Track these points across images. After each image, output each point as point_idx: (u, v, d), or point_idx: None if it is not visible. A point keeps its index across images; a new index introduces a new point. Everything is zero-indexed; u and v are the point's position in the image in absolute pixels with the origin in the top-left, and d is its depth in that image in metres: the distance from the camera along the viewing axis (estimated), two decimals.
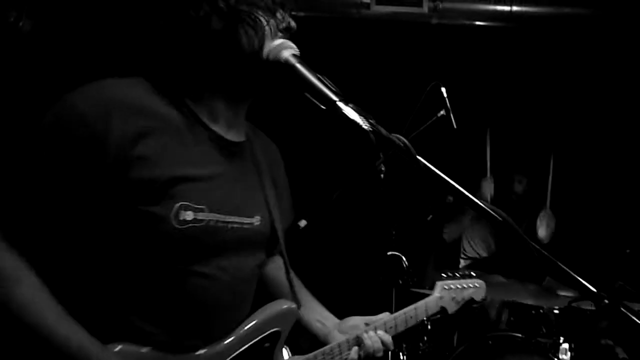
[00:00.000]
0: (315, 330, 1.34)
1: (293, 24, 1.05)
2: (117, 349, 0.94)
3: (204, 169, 1.01)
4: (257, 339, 1.10)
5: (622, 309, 0.83)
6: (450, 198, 3.63)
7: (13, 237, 0.91)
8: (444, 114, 2.58)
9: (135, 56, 1.04)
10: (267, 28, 1.00)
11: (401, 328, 1.41)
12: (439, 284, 1.63)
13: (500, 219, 0.85)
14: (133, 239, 0.95)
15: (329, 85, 0.88)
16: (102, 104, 0.92)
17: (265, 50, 0.99)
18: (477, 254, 3.63)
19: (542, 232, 3.42)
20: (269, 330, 1.12)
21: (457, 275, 1.76)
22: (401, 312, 1.44)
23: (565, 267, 0.89)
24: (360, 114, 0.84)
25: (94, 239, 0.96)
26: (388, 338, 1.34)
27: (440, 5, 3.75)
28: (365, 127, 0.81)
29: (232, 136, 1.09)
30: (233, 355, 1.06)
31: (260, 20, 0.99)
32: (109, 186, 0.92)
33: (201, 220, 0.98)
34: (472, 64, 3.98)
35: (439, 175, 0.87)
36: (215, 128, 1.06)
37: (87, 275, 0.98)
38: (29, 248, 0.93)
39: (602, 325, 2.48)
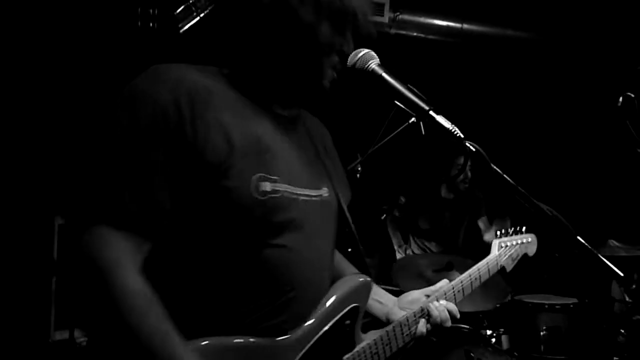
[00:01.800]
0: (374, 311, 1.30)
1: (350, 51, 1.09)
2: (204, 343, 0.93)
3: (271, 142, 1.03)
4: (338, 317, 1.09)
5: None
6: (403, 199, 3.85)
7: (119, 222, 0.90)
8: (415, 121, 2.74)
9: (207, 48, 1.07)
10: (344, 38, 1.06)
11: (467, 291, 1.39)
12: (495, 241, 1.59)
13: (551, 215, 0.99)
14: (216, 216, 0.95)
15: (419, 95, 0.99)
16: (169, 87, 0.94)
17: (351, 58, 1.07)
18: (429, 250, 3.82)
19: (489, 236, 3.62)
20: (348, 306, 1.11)
21: (509, 231, 1.69)
22: (463, 277, 1.40)
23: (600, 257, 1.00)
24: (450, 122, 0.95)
25: (183, 223, 0.95)
26: (453, 306, 1.29)
27: (399, 17, 3.96)
28: (460, 135, 0.93)
29: (288, 112, 1.12)
30: (318, 336, 1.06)
31: (342, 25, 1.04)
32: (190, 165, 0.93)
33: (277, 191, 0.99)
34: (425, 76, 4.24)
35: (505, 179, 1.00)
36: (273, 106, 1.09)
37: (177, 262, 0.97)
38: (135, 233, 0.91)
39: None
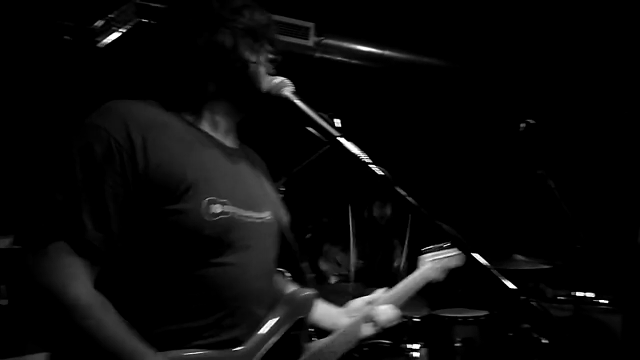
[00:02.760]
0: (320, 322, 1.40)
1: (279, 57, 1.20)
2: (169, 355, 0.98)
3: (217, 168, 1.10)
4: (286, 328, 1.17)
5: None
6: (326, 219, 3.93)
7: (76, 245, 0.94)
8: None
9: (143, 81, 1.11)
10: (263, 53, 1.15)
11: (402, 301, 1.54)
12: (425, 257, 1.75)
13: (450, 234, 1.06)
14: (168, 238, 1.00)
15: (329, 121, 1.05)
16: (120, 120, 1.00)
17: (266, 85, 1.13)
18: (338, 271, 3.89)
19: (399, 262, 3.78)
20: (294, 318, 1.19)
21: (438, 246, 1.84)
22: (400, 285, 1.56)
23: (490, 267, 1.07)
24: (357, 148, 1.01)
25: (135, 245, 1.00)
26: (395, 310, 1.47)
27: (324, 41, 4.09)
28: (365, 160, 0.99)
29: (230, 143, 1.19)
30: (268, 346, 1.13)
31: (260, 43, 1.14)
32: (140, 192, 0.98)
33: (227, 213, 1.05)
34: (347, 100, 4.39)
35: (409, 202, 1.07)
36: (216, 136, 1.16)
37: (129, 282, 1.01)
38: (91, 257, 0.95)
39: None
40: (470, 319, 2.99)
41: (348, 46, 4.19)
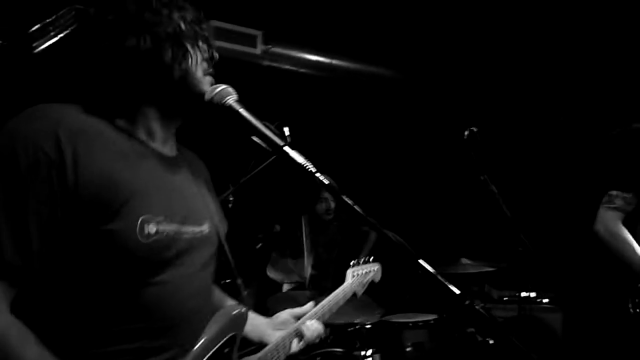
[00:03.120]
0: (248, 334, 1.37)
1: (216, 55, 1.15)
2: None
3: (153, 182, 1.03)
4: (218, 345, 1.14)
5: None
6: (278, 227, 3.90)
7: None
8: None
9: (70, 84, 1.05)
10: (192, 54, 1.08)
11: (327, 316, 1.54)
12: (349, 271, 1.78)
13: (395, 240, 1.07)
14: (98, 258, 0.94)
15: (275, 131, 1.03)
16: (49, 128, 0.92)
17: (209, 93, 1.08)
18: (291, 279, 3.88)
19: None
20: (227, 335, 1.17)
21: (360, 262, 1.89)
22: (325, 301, 1.56)
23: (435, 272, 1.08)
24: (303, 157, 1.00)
25: (60, 265, 0.93)
26: (321, 325, 1.47)
27: (272, 49, 4.08)
28: (312, 169, 0.98)
29: (168, 151, 1.13)
30: None
31: (185, 46, 1.07)
32: (69, 209, 0.91)
33: (163, 232, 1.00)
34: (296, 108, 4.39)
35: (355, 209, 1.07)
36: (153, 145, 1.10)
37: (54, 303, 0.94)
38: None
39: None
40: (420, 324, 3.04)
41: (296, 55, 4.21)
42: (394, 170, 4.84)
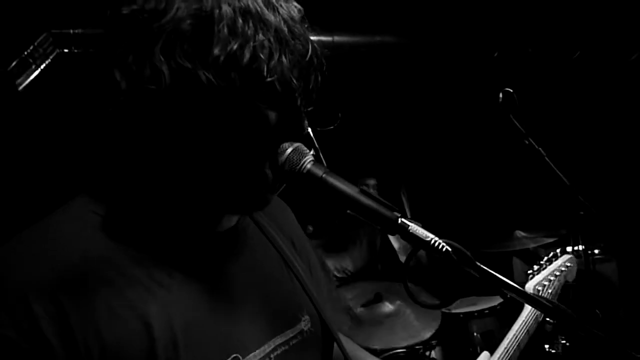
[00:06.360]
0: None
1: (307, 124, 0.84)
2: None
3: (207, 303, 0.75)
4: None
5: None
6: (310, 228, 3.66)
7: None
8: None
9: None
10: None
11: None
12: (529, 286, 1.33)
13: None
14: None
15: (378, 199, 0.75)
16: (20, 304, 0.63)
17: (281, 158, 0.78)
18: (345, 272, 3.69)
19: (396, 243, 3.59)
20: None
21: (542, 263, 1.39)
22: (507, 343, 1.28)
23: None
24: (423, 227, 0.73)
25: None
26: None
27: None
28: (446, 248, 0.72)
29: (223, 224, 0.84)
30: None
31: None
32: None
33: None
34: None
35: (494, 276, 0.82)
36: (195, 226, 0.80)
37: None
38: None
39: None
40: (486, 311, 2.81)
41: None
42: (427, 147, 4.53)
